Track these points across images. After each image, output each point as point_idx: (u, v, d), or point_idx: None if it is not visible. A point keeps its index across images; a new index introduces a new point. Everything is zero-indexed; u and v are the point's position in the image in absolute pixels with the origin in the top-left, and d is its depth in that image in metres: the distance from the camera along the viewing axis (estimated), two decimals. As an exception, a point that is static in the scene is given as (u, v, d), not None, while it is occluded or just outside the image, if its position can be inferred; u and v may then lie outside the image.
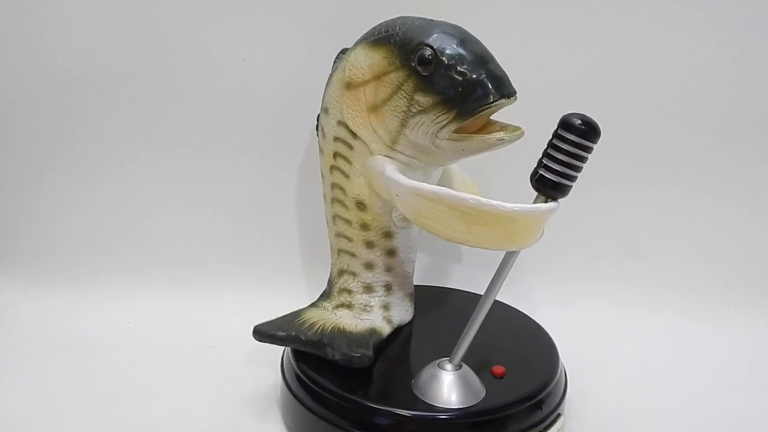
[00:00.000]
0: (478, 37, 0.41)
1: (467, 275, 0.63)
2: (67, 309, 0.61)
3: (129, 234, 0.65)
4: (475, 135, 0.39)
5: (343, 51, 0.48)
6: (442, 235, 0.40)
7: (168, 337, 0.57)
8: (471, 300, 0.55)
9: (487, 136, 0.39)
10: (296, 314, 0.47)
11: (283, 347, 0.48)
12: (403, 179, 0.41)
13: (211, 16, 0.59)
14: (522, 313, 0.53)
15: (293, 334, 0.44)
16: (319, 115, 0.51)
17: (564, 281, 0.63)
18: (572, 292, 0.63)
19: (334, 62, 0.49)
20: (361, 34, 0.45)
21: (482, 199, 0.37)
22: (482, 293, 0.56)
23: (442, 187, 0.39)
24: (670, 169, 0.61)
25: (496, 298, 0.54)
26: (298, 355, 0.46)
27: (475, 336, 0.42)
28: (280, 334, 0.44)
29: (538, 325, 0.52)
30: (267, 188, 0.63)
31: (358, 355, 0.42)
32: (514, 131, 0.39)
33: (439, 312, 0.54)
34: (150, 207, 0.64)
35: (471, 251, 0.63)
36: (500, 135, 0.39)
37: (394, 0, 0.55)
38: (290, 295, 0.56)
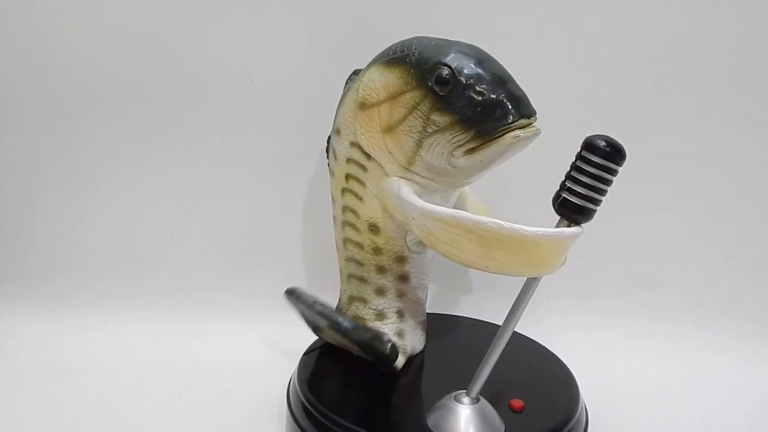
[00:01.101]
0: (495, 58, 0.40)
1: (475, 302, 0.61)
2: (64, 334, 0.60)
3: (129, 258, 0.63)
4: (490, 141, 0.38)
5: (356, 72, 0.47)
6: (459, 261, 0.38)
7: (167, 364, 0.55)
8: (482, 328, 0.55)
9: (502, 137, 0.37)
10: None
11: (288, 381, 0.46)
12: (419, 201, 0.39)
13: (220, 35, 0.58)
14: (537, 343, 0.52)
15: (327, 310, 0.45)
16: (329, 137, 0.50)
17: (579, 310, 0.61)
18: (588, 321, 0.61)
19: (346, 83, 0.48)
20: (373, 55, 0.44)
21: (503, 222, 0.35)
22: (491, 321, 0.56)
23: (460, 210, 0.37)
24: (689, 198, 0.59)
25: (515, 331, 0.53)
26: (306, 385, 0.44)
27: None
28: (318, 305, 0.45)
29: (555, 355, 0.50)
30: (272, 212, 0.62)
31: (390, 345, 0.44)
32: (530, 128, 0.38)
33: (450, 341, 0.52)
34: (151, 231, 0.63)
35: (480, 279, 0.62)
36: (515, 132, 0.37)
37: (405, 21, 0.56)
38: (294, 323, 0.54)
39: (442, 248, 0.39)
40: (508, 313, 0.39)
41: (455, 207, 0.46)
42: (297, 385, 0.44)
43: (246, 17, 0.58)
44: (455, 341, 0.52)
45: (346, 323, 0.44)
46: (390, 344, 0.44)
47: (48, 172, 0.62)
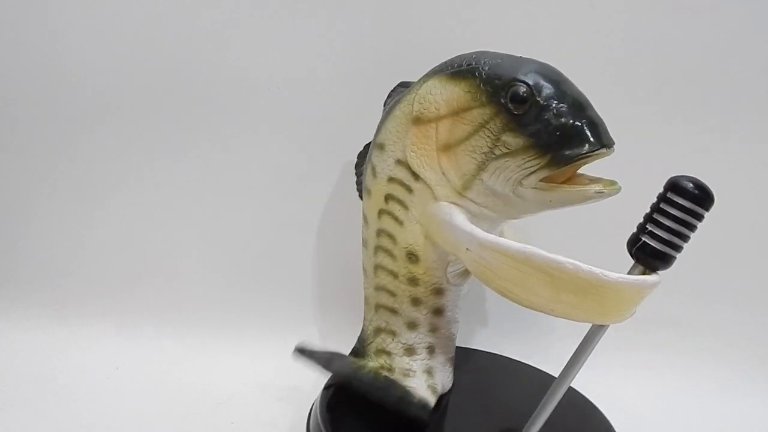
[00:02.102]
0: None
1: (490, 336, 0.58)
2: (55, 348, 0.55)
3: (128, 271, 0.59)
4: (566, 186, 0.35)
5: (403, 84, 0.44)
6: (518, 300, 0.35)
7: (163, 390, 0.50)
8: (505, 364, 0.51)
9: (584, 187, 0.34)
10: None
11: (308, 418, 0.42)
12: (479, 232, 0.36)
13: (244, 42, 0.54)
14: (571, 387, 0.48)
15: (347, 365, 0.43)
16: (361, 152, 0.46)
17: (598, 348, 0.58)
18: (606, 361, 0.58)
19: (390, 95, 0.45)
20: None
21: (581, 264, 0.32)
22: (508, 355, 0.53)
23: (530, 246, 0.33)
24: (709, 239, 0.57)
25: (537, 367, 0.50)
26: (329, 424, 0.39)
27: (521, 413, 0.37)
28: (335, 363, 0.43)
29: (588, 400, 0.46)
30: (284, 228, 0.58)
31: (418, 398, 0.41)
32: (611, 185, 0.35)
33: (475, 378, 0.48)
34: (152, 244, 0.59)
35: (496, 311, 0.59)
36: (598, 187, 0.34)
37: (438, 33, 0.52)
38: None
39: (500, 285, 0.35)
40: (568, 363, 0.36)
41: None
42: (320, 424, 0.40)
43: (267, 23, 0.54)
44: (479, 378, 0.49)
45: (370, 382, 0.42)
46: (420, 405, 0.41)
47: (46, 181, 0.58)
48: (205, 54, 0.54)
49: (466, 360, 0.51)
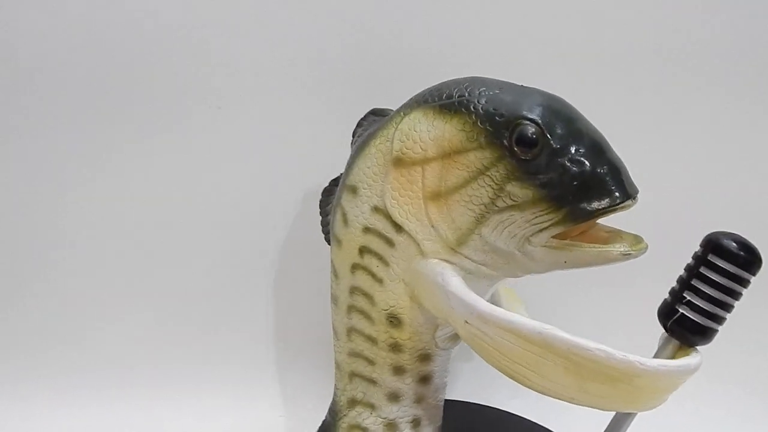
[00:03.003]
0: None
1: (472, 383, 0.52)
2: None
3: (61, 328, 0.50)
4: (585, 245, 0.29)
5: (376, 113, 0.37)
6: (533, 387, 0.29)
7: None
8: (495, 417, 0.46)
9: (606, 248, 0.29)
10: None
11: None
12: (482, 303, 0.29)
13: (188, 50, 0.46)
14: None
15: None
16: (326, 189, 0.39)
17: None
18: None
19: (360, 124, 0.38)
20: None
21: (614, 351, 0.26)
22: (497, 406, 0.47)
23: (548, 326, 0.27)
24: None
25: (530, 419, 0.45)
26: None
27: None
28: None
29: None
30: (235, 272, 0.50)
31: None
32: (638, 244, 0.29)
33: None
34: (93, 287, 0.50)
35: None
36: (624, 248, 0.29)
37: (420, 56, 0.46)
38: (261, 410, 0.43)
39: (509, 368, 0.29)
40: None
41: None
42: None
43: (216, 28, 0.46)
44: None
45: None
46: None
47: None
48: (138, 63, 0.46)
49: (449, 414, 0.45)
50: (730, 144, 0.48)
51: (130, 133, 0.47)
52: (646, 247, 0.29)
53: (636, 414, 0.30)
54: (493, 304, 0.38)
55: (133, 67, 0.46)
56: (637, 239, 0.29)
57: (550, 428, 0.44)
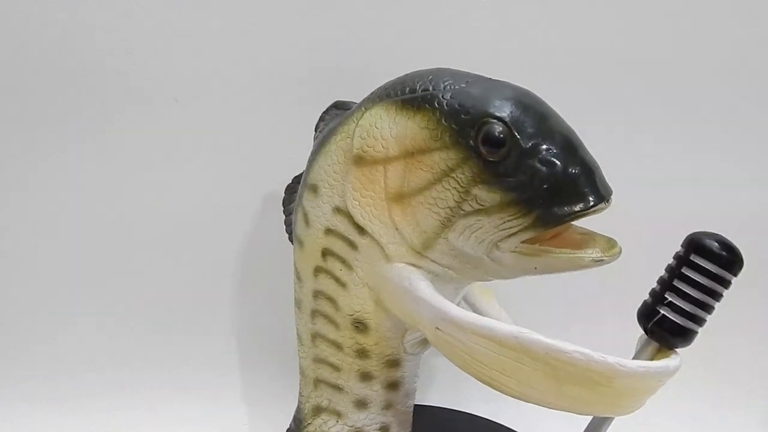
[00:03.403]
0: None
1: (444, 388, 0.51)
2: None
3: (14, 335, 0.47)
4: (556, 250, 0.28)
5: (339, 106, 0.35)
6: (509, 393, 0.27)
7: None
8: (466, 421, 0.45)
9: (579, 254, 0.27)
10: None
11: None
12: (453, 309, 0.28)
13: (142, 42, 0.43)
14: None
15: None
16: (289, 186, 0.38)
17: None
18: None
19: (323, 118, 0.36)
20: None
21: (593, 353, 0.25)
22: (468, 410, 0.46)
23: (524, 329, 0.26)
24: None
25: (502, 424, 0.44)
26: None
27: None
28: None
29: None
30: (195, 275, 0.47)
31: None
32: (611, 249, 0.28)
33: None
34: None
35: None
36: (596, 254, 0.27)
37: (386, 46, 0.44)
38: (224, 420, 0.41)
39: (484, 374, 0.28)
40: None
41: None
42: None
43: (172, 20, 0.43)
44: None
45: None
46: None
47: None
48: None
49: (420, 420, 0.43)
50: (710, 143, 0.47)
51: (83, 128, 0.45)
52: (620, 252, 0.28)
53: (613, 419, 0.29)
54: (467, 302, 0.38)
55: (84, 59, 0.44)
56: (610, 243, 0.28)
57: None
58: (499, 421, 0.44)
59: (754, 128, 0.47)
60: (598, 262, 0.27)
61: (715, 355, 0.49)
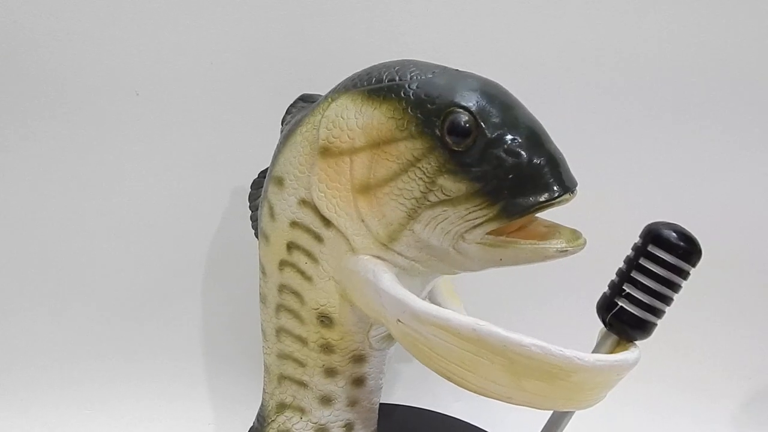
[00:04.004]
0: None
1: (412, 387, 0.50)
2: None
3: None
4: (521, 241, 0.28)
5: (306, 99, 0.35)
6: (467, 387, 0.27)
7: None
8: (432, 420, 0.45)
9: (543, 244, 0.27)
10: None
11: None
12: (414, 300, 0.28)
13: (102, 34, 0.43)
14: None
15: None
16: (256, 181, 0.37)
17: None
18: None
19: (290, 111, 0.36)
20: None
21: (550, 346, 0.25)
22: (434, 409, 0.46)
23: (483, 322, 0.26)
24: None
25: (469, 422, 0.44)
26: None
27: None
28: None
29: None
30: (162, 275, 0.47)
31: None
32: (575, 240, 0.28)
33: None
34: None
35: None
36: (561, 245, 0.27)
37: (354, 37, 0.44)
38: (189, 419, 0.41)
39: (443, 367, 0.27)
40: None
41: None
42: None
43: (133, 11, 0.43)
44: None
45: None
46: None
47: None
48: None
49: (387, 418, 0.43)
50: (674, 136, 0.48)
51: (43, 121, 0.44)
52: (584, 243, 0.28)
53: (573, 413, 0.29)
54: (430, 300, 0.37)
55: (40, 52, 0.43)
56: (575, 235, 0.28)
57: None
58: (468, 420, 0.44)
59: (716, 121, 0.47)
60: (563, 252, 0.27)
61: (685, 355, 0.50)
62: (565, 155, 0.28)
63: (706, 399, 0.50)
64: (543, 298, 0.46)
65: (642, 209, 0.46)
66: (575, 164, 0.29)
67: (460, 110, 0.27)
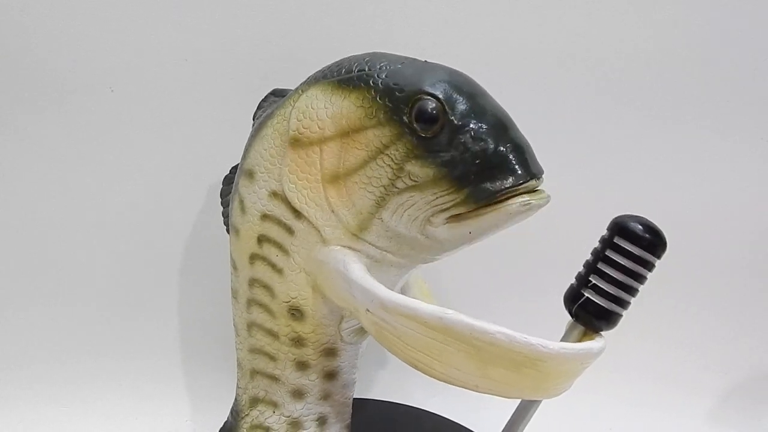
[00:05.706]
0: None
1: (392, 382, 0.50)
2: None
3: None
4: (483, 209, 0.27)
5: (276, 93, 0.35)
6: (434, 375, 0.27)
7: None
8: (406, 414, 0.45)
9: (505, 204, 0.27)
10: None
11: None
12: (381, 290, 0.28)
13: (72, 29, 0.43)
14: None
15: None
16: (227, 177, 0.37)
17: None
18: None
19: (261, 106, 0.36)
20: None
21: (515, 334, 0.25)
22: (409, 403, 0.46)
23: (450, 310, 0.26)
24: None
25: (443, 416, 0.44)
26: None
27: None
28: None
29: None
30: (136, 272, 0.47)
31: None
32: (538, 194, 0.28)
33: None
34: None
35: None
36: (523, 198, 0.27)
37: (325, 34, 0.44)
38: (166, 415, 0.40)
39: (410, 356, 0.28)
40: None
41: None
42: None
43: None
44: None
45: None
46: None
47: None
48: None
49: (360, 412, 0.43)
50: (646, 129, 0.48)
51: (17, 118, 0.44)
52: (548, 197, 0.28)
53: (540, 402, 0.29)
54: (403, 294, 0.37)
55: (14, 48, 0.43)
56: (537, 191, 0.28)
57: (466, 426, 0.43)
58: (443, 415, 0.44)
59: (687, 114, 0.48)
60: (527, 205, 0.27)
61: (662, 351, 0.50)
62: (538, 147, 0.28)
63: (683, 394, 0.50)
64: (513, 291, 0.46)
65: (616, 203, 0.46)
66: (543, 154, 0.29)
67: (428, 97, 0.27)
